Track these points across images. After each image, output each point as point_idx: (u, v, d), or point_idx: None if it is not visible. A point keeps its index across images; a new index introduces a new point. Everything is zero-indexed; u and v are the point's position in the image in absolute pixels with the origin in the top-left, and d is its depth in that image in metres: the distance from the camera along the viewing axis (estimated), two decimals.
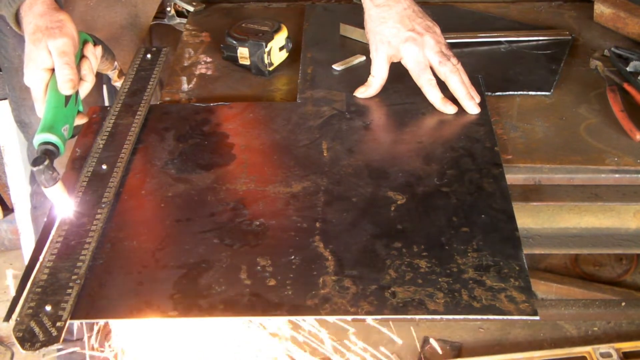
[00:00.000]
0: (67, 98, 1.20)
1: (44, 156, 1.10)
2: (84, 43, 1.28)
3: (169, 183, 1.22)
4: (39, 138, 1.14)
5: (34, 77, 1.21)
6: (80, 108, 1.25)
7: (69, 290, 0.99)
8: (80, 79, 1.24)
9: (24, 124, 1.85)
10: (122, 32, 1.65)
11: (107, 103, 1.87)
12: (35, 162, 1.08)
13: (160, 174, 1.24)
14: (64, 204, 1.13)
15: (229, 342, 1.14)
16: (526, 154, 1.30)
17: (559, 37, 1.66)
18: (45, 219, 1.14)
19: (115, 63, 1.45)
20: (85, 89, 1.26)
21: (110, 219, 1.14)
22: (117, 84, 1.49)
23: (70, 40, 1.21)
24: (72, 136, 1.22)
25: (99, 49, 1.31)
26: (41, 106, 1.21)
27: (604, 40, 1.65)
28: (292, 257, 1.06)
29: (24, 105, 1.80)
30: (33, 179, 2.01)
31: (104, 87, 1.89)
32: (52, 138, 1.14)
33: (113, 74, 1.47)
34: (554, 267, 2.59)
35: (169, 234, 1.12)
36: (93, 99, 1.80)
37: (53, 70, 1.21)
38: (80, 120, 1.27)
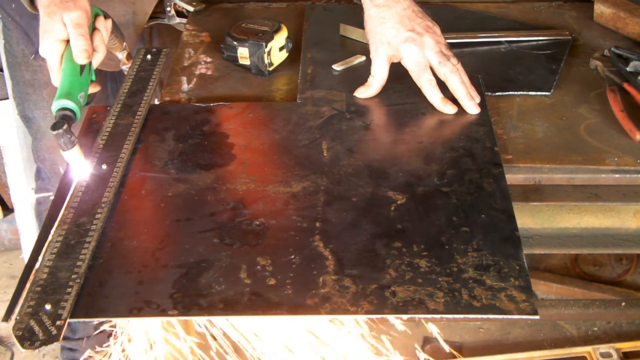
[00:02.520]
0: (82, 67, 1.26)
1: (63, 121, 1.16)
2: (96, 16, 1.33)
3: (169, 183, 1.22)
4: (57, 104, 1.20)
5: (50, 48, 1.27)
6: (93, 77, 1.30)
7: (69, 290, 0.99)
8: (93, 50, 1.30)
9: (28, 119, 1.86)
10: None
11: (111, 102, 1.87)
12: (54, 127, 1.14)
13: (160, 174, 1.24)
14: (80, 167, 1.20)
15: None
16: (526, 154, 1.30)
17: (559, 37, 1.66)
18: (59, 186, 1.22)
19: (124, 44, 1.47)
20: (97, 59, 1.32)
21: (110, 218, 1.14)
22: (125, 67, 1.51)
23: (83, 12, 1.27)
24: (87, 103, 1.27)
25: (109, 22, 1.37)
26: (57, 75, 1.27)
27: (604, 40, 1.65)
28: (292, 256, 1.06)
29: (27, 100, 1.81)
30: (38, 174, 2.01)
31: (108, 85, 1.89)
32: (70, 104, 1.20)
33: (122, 56, 1.49)
34: (554, 267, 2.59)
35: (169, 234, 1.12)
36: (98, 97, 1.80)
37: (68, 41, 1.27)
38: (93, 89, 1.32)
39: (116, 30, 1.42)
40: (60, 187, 1.22)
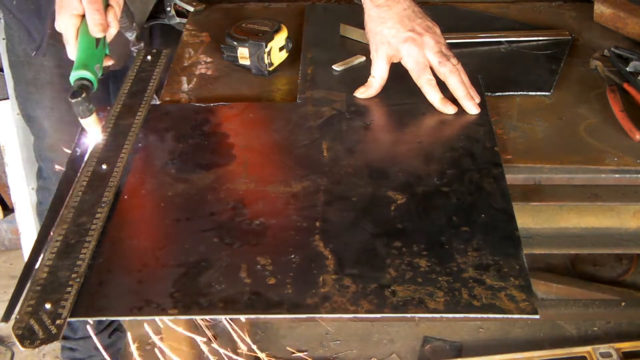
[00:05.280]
0: (97, 41, 1.32)
1: (81, 90, 1.22)
2: None
3: (169, 183, 1.22)
4: (75, 74, 1.25)
5: (66, 22, 1.32)
6: (107, 51, 1.36)
7: (69, 289, 0.99)
8: (107, 24, 1.34)
9: (30, 118, 1.87)
10: None
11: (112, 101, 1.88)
12: (73, 95, 1.21)
13: (160, 174, 1.24)
14: (96, 134, 1.27)
15: None
16: (526, 154, 1.30)
17: (559, 37, 1.66)
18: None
19: (134, 24, 1.48)
20: (111, 34, 1.37)
21: (110, 218, 1.14)
22: (135, 48, 1.52)
23: None
24: (102, 75, 1.32)
25: None
26: (73, 49, 1.32)
27: (604, 40, 1.65)
28: (292, 256, 1.06)
29: (29, 99, 1.82)
30: (39, 173, 2.01)
31: (109, 85, 1.90)
32: (87, 74, 1.25)
33: (132, 36, 1.51)
34: (554, 267, 2.59)
35: (169, 233, 1.12)
36: (98, 97, 1.81)
37: (83, 16, 1.31)
38: (107, 62, 1.37)
39: (127, 9, 1.44)
40: (60, 186, 1.23)
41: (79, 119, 1.24)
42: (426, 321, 2.42)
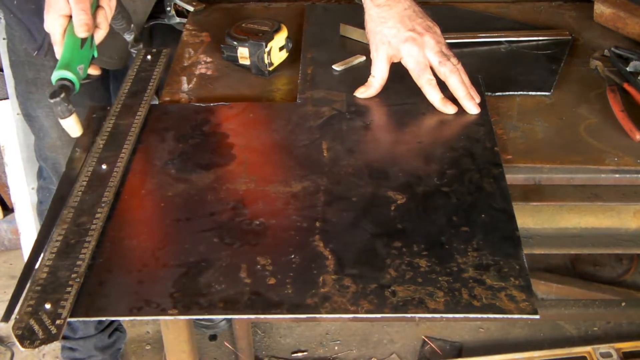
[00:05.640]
0: (83, 41, 1.31)
1: (60, 90, 1.22)
2: None
3: (169, 183, 1.22)
4: (56, 74, 1.25)
5: (53, 22, 1.32)
6: (95, 53, 1.36)
7: (69, 289, 0.99)
8: (96, 26, 1.35)
9: (31, 117, 1.87)
10: None
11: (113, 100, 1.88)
12: (52, 95, 1.21)
13: (160, 174, 1.24)
14: (77, 135, 1.27)
15: None
16: (526, 154, 1.30)
17: (559, 37, 1.66)
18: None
19: (132, 26, 1.48)
20: (100, 35, 1.37)
21: (110, 218, 1.14)
22: (134, 49, 1.52)
23: None
24: (86, 77, 1.32)
25: (114, 0, 1.40)
26: (59, 49, 1.32)
27: (604, 40, 1.65)
28: (292, 256, 1.06)
29: (30, 98, 1.82)
30: (40, 173, 2.01)
31: (110, 85, 1.90)
32: (68, 74, 1.25)
33: (130, 37, 1.50)
34: (554, 267, 2.60)
35: (169, 233, 1.12)
36: (99, 97, 1.81)
37: (70, 17, 1.31)
38: (94, 71, 1.37)
39: (123, 11, 1.44)
40: (60, 186, 1.23)
41: (59, 119, 1.24)
42: (426, 321, 2.42)
